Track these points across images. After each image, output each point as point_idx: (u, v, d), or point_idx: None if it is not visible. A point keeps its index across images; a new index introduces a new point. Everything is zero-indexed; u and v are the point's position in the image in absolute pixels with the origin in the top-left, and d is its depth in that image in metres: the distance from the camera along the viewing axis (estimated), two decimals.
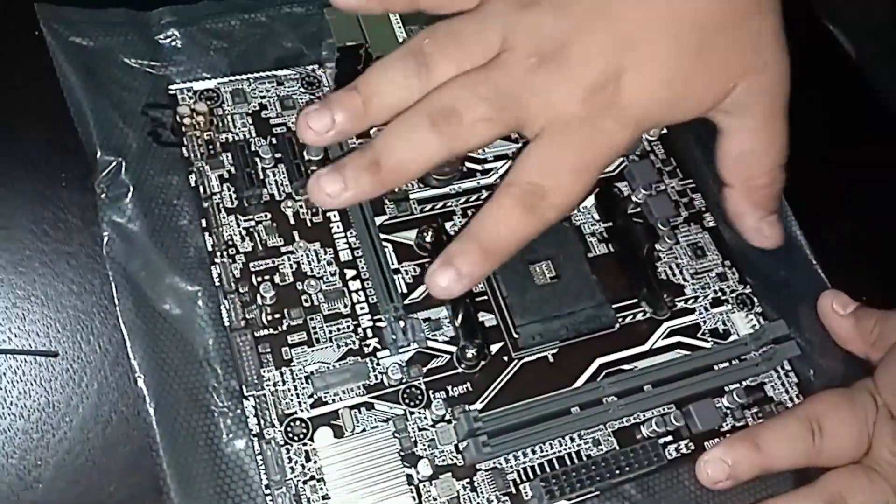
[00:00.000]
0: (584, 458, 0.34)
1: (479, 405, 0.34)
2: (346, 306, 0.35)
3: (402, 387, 0.34)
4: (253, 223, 0.36)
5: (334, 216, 0.37)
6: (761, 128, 0.34)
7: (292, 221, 0.36)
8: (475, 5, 0.32)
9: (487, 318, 0.36)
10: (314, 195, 0.31)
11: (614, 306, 0.37)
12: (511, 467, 0.34)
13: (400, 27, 0.38)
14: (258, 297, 0.34)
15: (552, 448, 0.34)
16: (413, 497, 0.32)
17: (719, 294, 0.39)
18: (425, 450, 0.33)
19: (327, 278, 0.35)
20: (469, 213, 0.38)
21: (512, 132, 0.32)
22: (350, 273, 0.36)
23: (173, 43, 0.39)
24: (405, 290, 0.36)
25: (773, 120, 0.34)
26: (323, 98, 0.33)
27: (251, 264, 0.35)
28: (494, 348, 0.35)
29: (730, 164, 0.35)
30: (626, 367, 0.36)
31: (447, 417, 0.34)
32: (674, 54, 0.31)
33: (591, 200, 0.40)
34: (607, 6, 0.31)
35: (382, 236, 0.37)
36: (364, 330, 0.35)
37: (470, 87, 0.30)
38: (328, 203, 0.31)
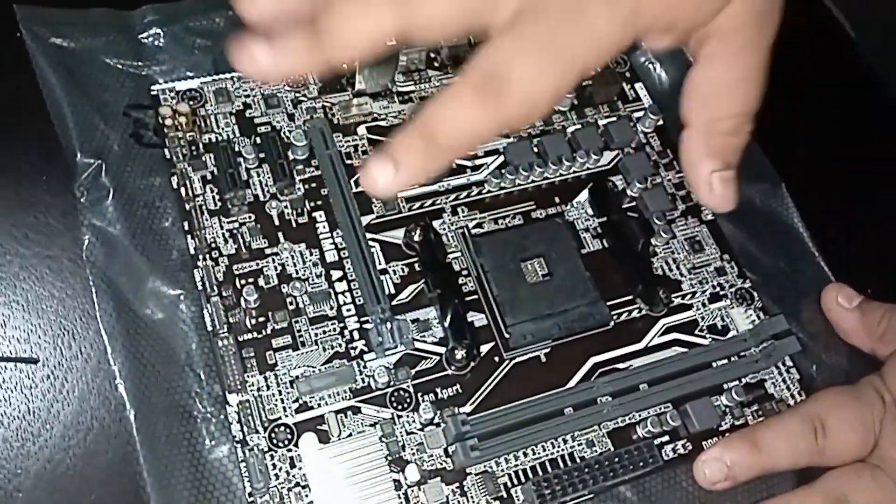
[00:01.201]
0: (578, 460, 0.33)
1: (468, 407, 0.33)
2: (332, 308, 0.34)
3: (390, 390, 0.33)
4: (236, 225, 0.35)
5: (320, 216, 0.36)
6: (737, 62, 0.30)
7: (277, 222, 0.36)
8: None
9: (478, 318, 0.35)
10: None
11: (609, 303, 0.36)
12: (502, 471, 0.33)
13: None
14: (242, 300, 0.33)
15: (545, 450, 0.33)
16: (401, 503, 0.31)
17: (718, 289, 0.38)
18: (413, 454, 0.32)
19: (313, 280, 0.35)
20: (459, 210, 0.37)
21: (479, 26, 0.27)
22: (336, 274, 0.35)
23: (156, 42, 0.38)
24: (393, 291, 0.35)
25: (752, 56, 0.30)
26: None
27: (235, 267, 0.34)
28: (485, 349, 0.35)
29: (695, 99, 0.31)
30: (620, 365, 0.35)
31: (436, 421, 0.33)
32: None
33: (584, 195, 0.38)
34: None
35: (369, 236, 0.36)
36: (350, 332, 0.34)
37: None
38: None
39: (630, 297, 0.37)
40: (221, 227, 0.35)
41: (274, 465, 0.31)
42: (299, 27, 0.26)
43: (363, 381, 0.33)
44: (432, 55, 0.40)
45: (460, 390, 0.34)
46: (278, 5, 0.26)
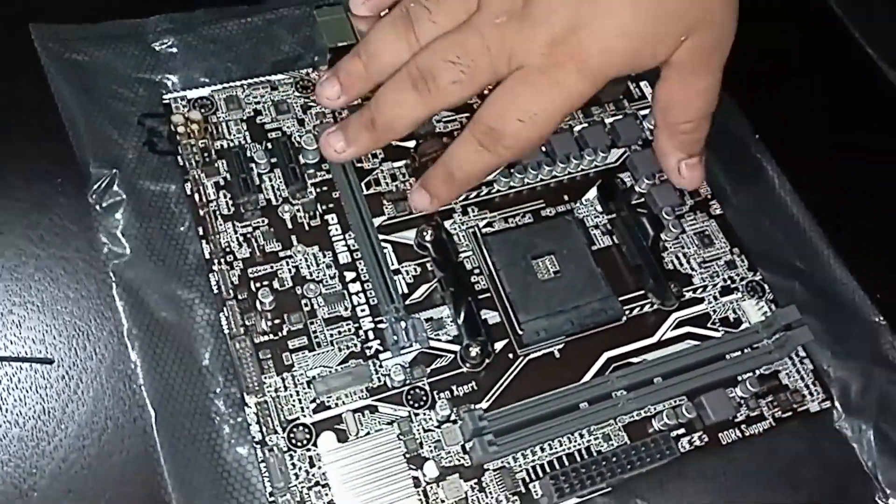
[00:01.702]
0: (595, 454, 0.33)
1: (484, 404, 0.33)
2: (346, 309, 0.34)
3: (406, 388, 0.33)
4: (250, 229, 0.35)
5: (332, 219, 0.36)
6: (688, 82, 0.36)
7: (290, 226, 0.36)
8: None
9: (491, 316, 0.35)
10: (325, 152, 0.36)
11: (620, 299, 0.36)
12: (520, 466, 0.33)
13: None
14: (257, 303, 0.34)
15: (561, 445, 0.33)
16: (420, 500, 0.31)
17: (728, 282, 0.38)
18: (431, 451, 0.32)
19: (327, 281, 0.35)
20: (469, 210, 0.38)
21: (488, 86, 0.34)
22: (350, 275, 0.35)
23: (170, 50, 0.38)
24: (406, 291, 0.35)
25: (706, 75, 0.36)
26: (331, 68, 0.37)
27: (249, 270, 0.34)
28: (499, 346, 0.35)
29: (658, 108, 0.38)
30: (634, 360, 0.35)
31: (453, 418, 0.33)
32: (631, 7, 0.33)
33: (593, 192, 0.39)
34: None
35: (381, 237, 0.36)
36: (365, 332, 0.34)
37: (442, 52, 0.34)
38: (336, 158, 0.36)
39: (641, 292, 0.37)
40: (235, 232, 0.35)
41: (293, 465, 0.31)
42: (359, 112, 0.36)
43: (379, 380, 0.33)
44: None
45: (476, 387, 0.34)
46: (347, 100, 0.37)
